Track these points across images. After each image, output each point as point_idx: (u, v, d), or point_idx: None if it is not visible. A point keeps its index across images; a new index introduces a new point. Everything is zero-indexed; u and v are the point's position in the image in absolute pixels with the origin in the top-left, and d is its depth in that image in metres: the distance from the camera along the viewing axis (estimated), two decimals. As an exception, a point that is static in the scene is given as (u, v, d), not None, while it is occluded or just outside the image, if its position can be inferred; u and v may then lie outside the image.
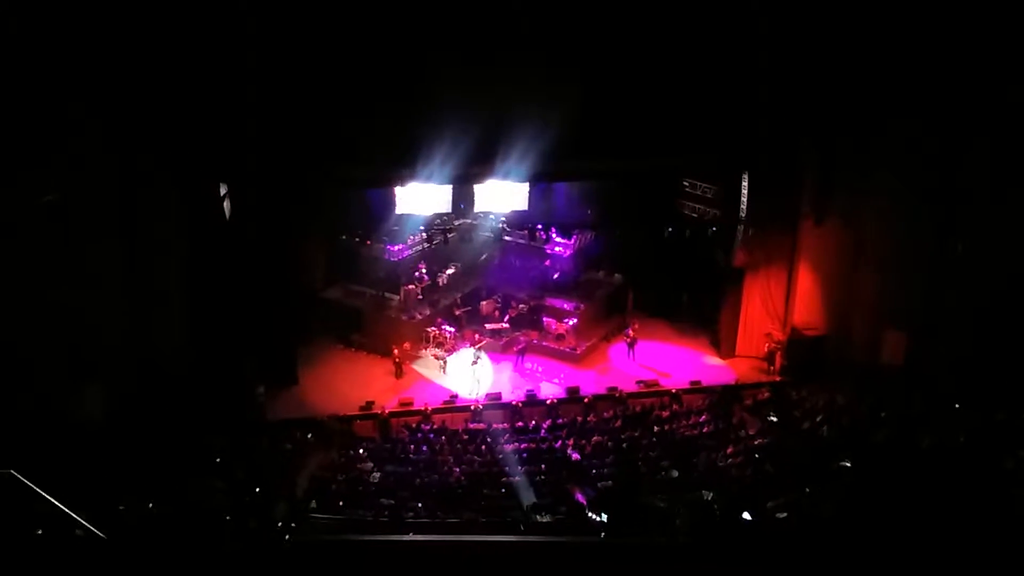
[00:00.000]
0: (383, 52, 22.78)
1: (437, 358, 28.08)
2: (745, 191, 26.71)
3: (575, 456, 22.14)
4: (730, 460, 22.03)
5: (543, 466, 22.05)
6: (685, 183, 29.16)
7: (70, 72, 20.16)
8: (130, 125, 21.55)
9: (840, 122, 24.84)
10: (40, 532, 11.24)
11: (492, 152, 24.11)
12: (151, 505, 18.08)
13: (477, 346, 27.65)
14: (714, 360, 29.02)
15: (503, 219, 31.52)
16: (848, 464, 18.93)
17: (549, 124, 22.94)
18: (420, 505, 19.89)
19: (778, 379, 27.43)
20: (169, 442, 21.23)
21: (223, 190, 23.83)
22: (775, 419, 24.39)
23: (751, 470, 21.12)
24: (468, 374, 26.89)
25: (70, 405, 21.49)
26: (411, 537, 11.91)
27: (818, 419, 23.50)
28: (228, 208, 24.01)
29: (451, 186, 28.43)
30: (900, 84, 23.70)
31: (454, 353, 28.19)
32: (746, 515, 15.04)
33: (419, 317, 29.22)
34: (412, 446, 23.54)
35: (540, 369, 28.30)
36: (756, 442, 22.99)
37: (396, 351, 27.56)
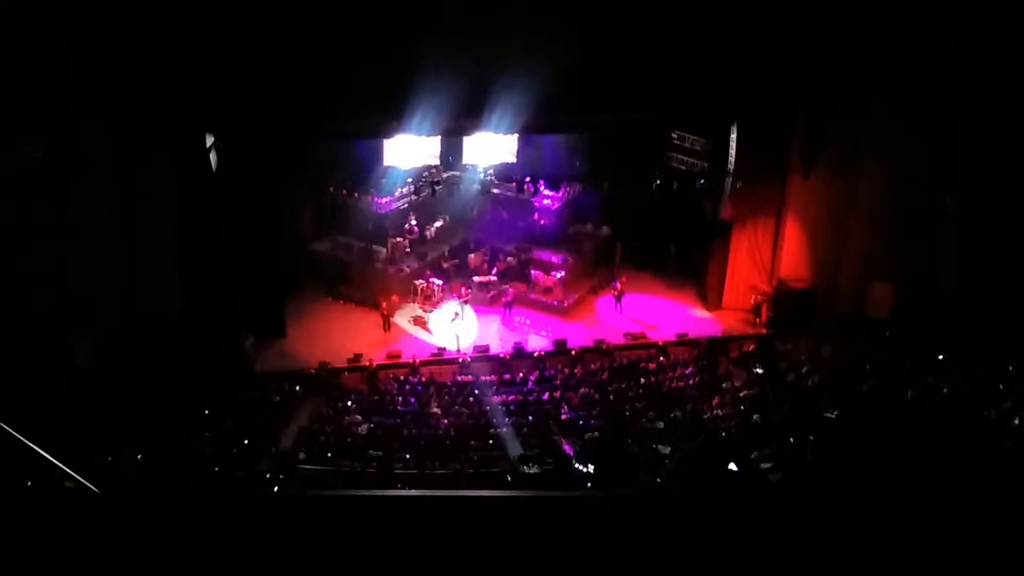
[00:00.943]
0: (371, 4, 22.56)
1: (425, 311, 28.04)
2: (734, 144, 26.58)
3: (564, 415, 22.20)
4: (716, 411, 22.15)
5: (530, 418, 22.13)
6: (674, 135, 28.99)
7: (60, 14, 19.93)
8: (118, 73, 21.33)
9: (832, 74, 24.70)
10: (29, 484, 11.25)
11: (481, 104, 23.91)
12: (139, 456, 18.14)
13: (460, 301, 27.64)
14: (701, 313, 29.07)
15: (491, 171, 31.37)
16: (833, 415, 19.06)
17: (538, 76, 22.74)
18: (408, 457, 19.96)
19: (764, 331, 27.49)
20: (159, 394, 21.24)
21: (209, 141, 23.60)
22: (761, 371, 24.50)
23: (737, 421, 21.24)
24: (449, 330, 26.84)
25: (61, 357, 21.49)
26: (400, 492, 11.96)
27: (804, 371, 23.62)
28: (215, 160, 23.81)
29: (439, 138, 28.26)
30: (893, 35, 23.57)
31: (440, 307, 28.14)
32: (732, 466, 15.16)
33: (407, 270, 29.16)
34: (400, 398, 23.59)
35: (528, 322, 28.32)
36: (742, 394, 23.10)
37: (384, 304, 27.52)
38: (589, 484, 16.77)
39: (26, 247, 20.49)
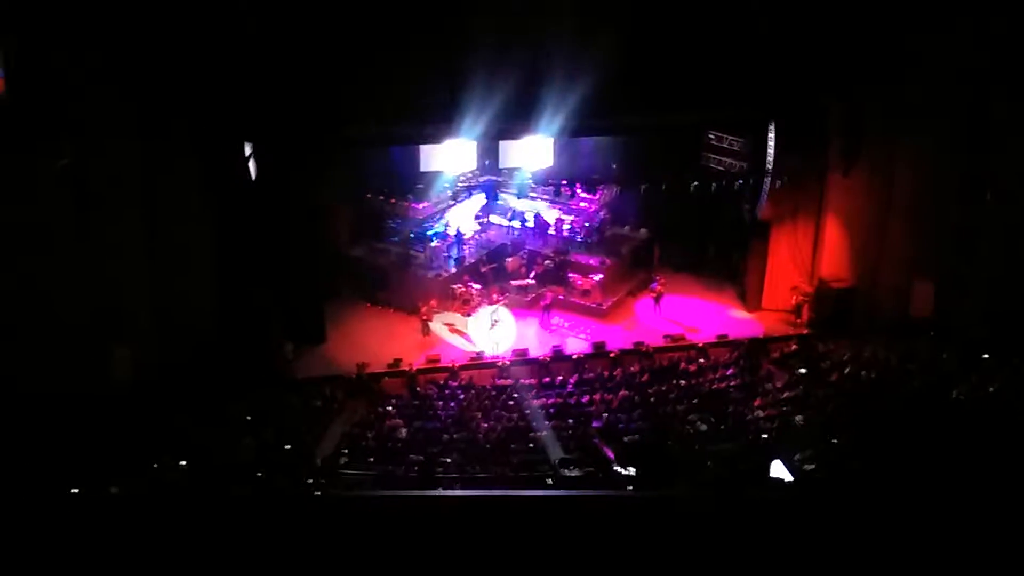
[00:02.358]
0: (414, 8, 22.67)
1: (463, 316, 28.07)
2: (772, 143, 26.42)
3: (596, 424, 22.15)
4: (758, 413, 22.00)
5: (570, 421, 22.10)
6: (711, 136, 28.87)
7: (96, 29, 20.18)
8: (153, 85, 21.55)
9: (868, 72, 24.47)
10: (76, 491, 11.40)
11: (526, 108, 23.98)
12: (183, 463, 18.30)
13: (494, 308, 27.65)
14: (741, 314, 28.90)
15: (528, 175, 31.41)
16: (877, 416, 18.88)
17: (581, 79, 22.79)
18: (449, 461, 20.00)
19: (805, 332, 27.28)
20: (200, 402, 21.43)
21: (248, 150, 23.81)
22: (803, 371, 24.31)
23: (779, 422, 21.09)
24: (488, 334, 26.85)
25: (101, 367, 21.74)
26: (440, 493, 11.97)
27: (846, 371, 23.40)
28: (254, 169, 24.01)
29: (477, 143, 28.34)
30: (929, 32, 23.34)
31: (478, 311, 28.16)
32: (775, 467, 15.04)
33: (445, 274, 29.23)
34: (440, 402, 23.64)
35: (566, 325, 28.29)
36: (784, 395, 22.94)
37: (423, 308, 27.61)
38: (629, 487, 16.70)
39: (61, 258, 20.74)
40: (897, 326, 25.69)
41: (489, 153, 30.31)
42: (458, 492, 14.07)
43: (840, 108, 25.66)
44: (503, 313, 27.91)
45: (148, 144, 21.98)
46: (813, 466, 17.27)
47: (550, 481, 18.04)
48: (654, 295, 28.74)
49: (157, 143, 22.07)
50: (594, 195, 30.91)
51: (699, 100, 25.03)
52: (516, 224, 31.22)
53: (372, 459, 20.52)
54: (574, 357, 26.12)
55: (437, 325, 27.98)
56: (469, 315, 28.05)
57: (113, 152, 21.47)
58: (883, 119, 25.18)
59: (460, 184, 30.76)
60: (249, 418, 22.06)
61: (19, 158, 19.68)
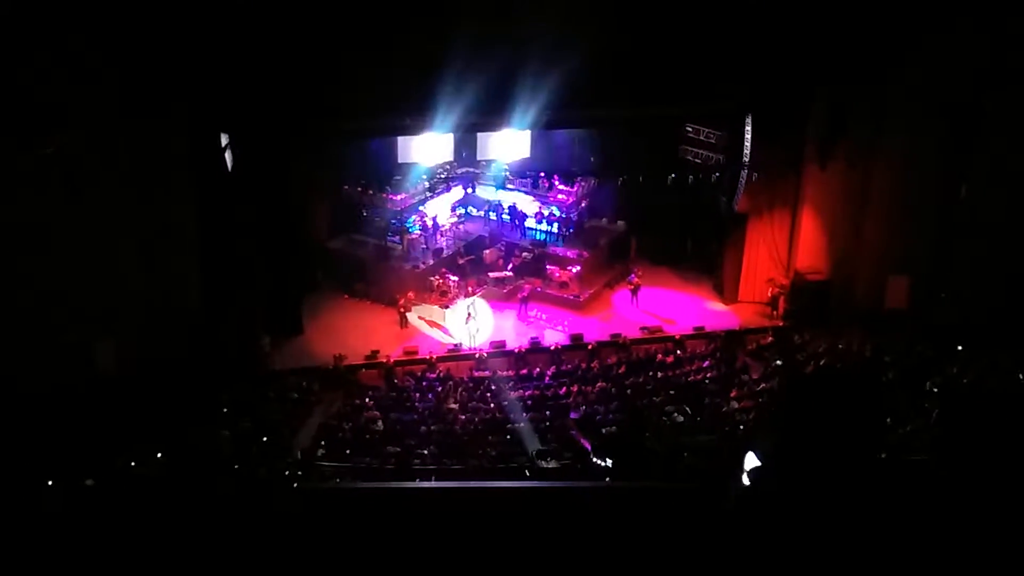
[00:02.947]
0: (392, 1, 22.60)
1: (441, 308, 28.04)
2: (749, 136, 26.49)
3: (574, 415, 22.20)
4: (734, 404, 22.11)
5: (548, 412, 22.14)
6: (688, 128, 28.91)
7: (78, 15, 20.04)
8: (135, 72, 21.38)
9: (847, 67, 24.51)
10: (50, 483, 11.33)
11: (502, 100, 23.93)
12: (160, 455, 18.23)
13: (472, 300, 27.63)
14: (717, 306, 29.00)
15: (505, 167, 31.41)
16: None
17: (558, 72, 22.77)
18: (426, 453, 20.00)
19: (781, 324, 27.41)
20: (178, 393, 21.34)
21: (224, 141, 23.66)
22: (779, 363, 24.44)
23: (755, 413, 21.20)
24: (465, 326, 26.85)
25: (81, 358, 21.63)
26: (417, 484, 11.98)
27: (822, 362, 23.53)
28: (230, 160, 23.88)
29: (454, 135, 28.29)
30: (910, 28, 23.43)
31: (456, 303, 28.13)
32: (750, 458, 15.12)
33: (422, 266, 29.20)
34: (417, 394, 23.63)
35: (544, 317, 28.31)
36: (760, 386, 23.05)
37: (400, 300, 27.55)
38: (607, 478, 16.76)
39: (43, 247, 20.61)
40: (872, 318, 25.86)
41: (466, 145, 30.26)
42: (435, 484, 14.10)
43: (819, 103, 25.72)
44: (481, 305, 27.90)
45: (132, 132, 21.81)
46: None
47: (528, 473, 18.09)
48: (631, 287, 28.81)
49: (140, 131, 21.90)
50: (572, 187, 30.92)
51: (676, 93, 25.05)
52: (493, 216, 31.23)
53: (349, 451, 20.50)
54: (551, 349, 26.15)
55: (414, 317, 27.95)
56: (447, 307, 28.03)
57: (97, 140, 21.30)
58: (864, 114, 25.24)
59: (438, 176, 30.70)
60: (226, 410, 21.97)
61: (2, 145, 19.56)
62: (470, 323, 26.73)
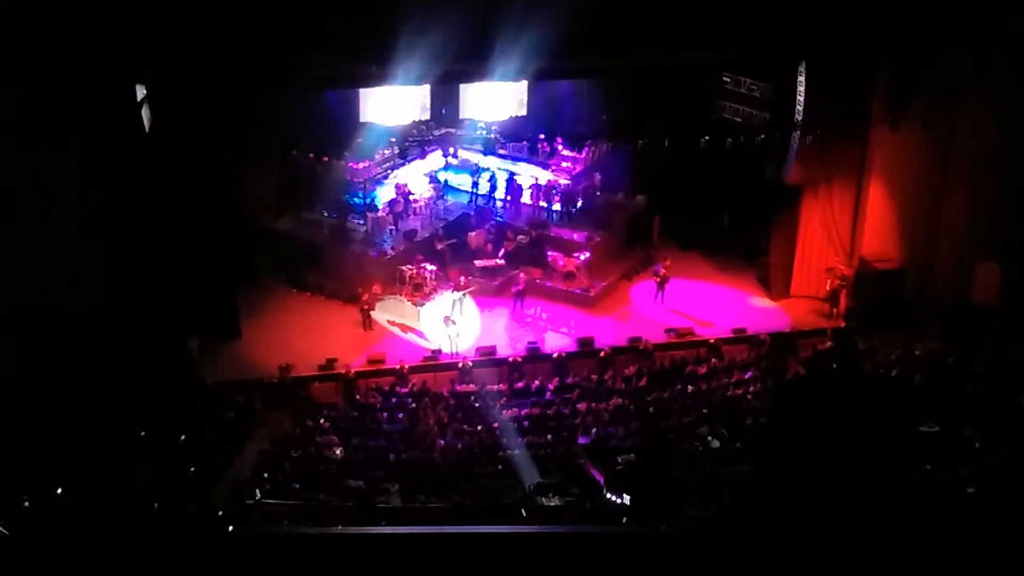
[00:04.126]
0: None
1: (415, 304, 28.03)
2: (802, 88, 26.47)
3: (582, 440, 22.22)
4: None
5: (549, 436, 22.12)
6: (726, 79, 28.89)
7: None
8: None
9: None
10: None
11: (484, 43, 23.86)
12: (61, 492, 18.17)
13: (453, 295, 27.59)
14: (763, 302, 29.04)
15: (496, 128, 31.37)
16: (934, 428, 19.00)
17: (556, 6, 22.69)
18: (396, 488, 20.00)
19: (843, 324, 27.44)
20: (87, 409, 21.30)
21: (140, 94, 23.57)
22: (840, 373, 24.44)
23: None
24: (446, 328, 26.81)
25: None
26: (384, 529, 11.95)
27: (894, 373, 23.55)
28: (147, 117, 23.79)
29: (430, 87, 28.23)
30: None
31: (433, 298, 28.11)
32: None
33: (391, 252, 29.16)
34: (385, 414, 23.60)
35: (544, 316, 28.31)
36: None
37: (364, 295, 27.53)
38: (624, 519, 16.77)
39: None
40: (957, 316, 25.89)
41: (446, 100, 30.20)
42: (406, 529, 14.05)
43: (888, 44, 25.71)
44: (465, 301, 27.88)
45: (20, 83, 21.69)
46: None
47: (524, 513, 18.09)
48: (655, 279, 28.80)
49: (33, 82, 21.77)
50: (579, 153, 30.88)
51: (705, 34, 25.01)
52: (481, 189, 31.20)
53: (298, 485, 20.49)
54: (554, 356, 26.14)
55: (381, 316, 27.93)
56: (422, 304, 28.00)
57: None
58: (944, 59, 25.21)
59: (410, 139, 30.66)
60: (144, 432, 21.94)
61: None
62: (451, 324, 26.69)
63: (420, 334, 27.56)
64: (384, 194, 30.02)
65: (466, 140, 31.57)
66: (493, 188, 31.02)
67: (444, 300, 27.72)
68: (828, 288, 28.18)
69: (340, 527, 16.25)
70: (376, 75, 25.62)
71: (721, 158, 29.32)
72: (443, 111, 30.47)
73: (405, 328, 27.82)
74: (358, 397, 24.80)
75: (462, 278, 28.20)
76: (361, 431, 22.96)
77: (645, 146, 30.12)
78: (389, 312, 28.07)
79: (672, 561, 5.04)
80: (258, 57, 23.47)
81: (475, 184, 31.26)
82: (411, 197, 30.14)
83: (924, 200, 26.71)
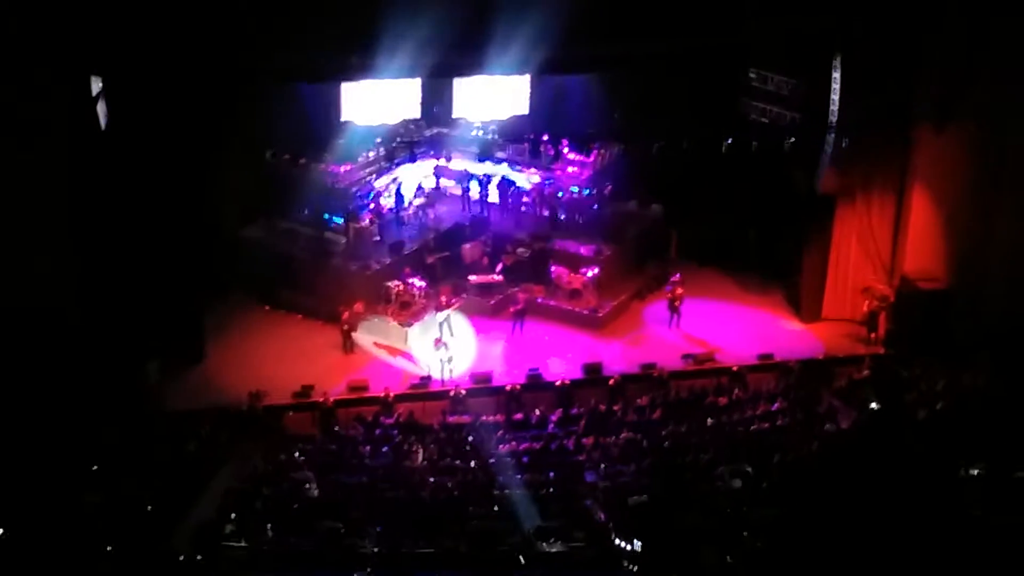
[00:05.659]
0: None
1: (401, 325, 28.04)
2: (837, 85, 26.51)
3: (589, 478, 22.23)
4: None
5: (551, 474, 22.10)
6: (751, 74, 28.94)
7: None
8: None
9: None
10: None
11: (479, 33, 23.94)
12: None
13: (444, 313, 27.58)
14: (792, 325, 29.08)
15: (494, 128, 31.42)
16: (981, 471, 18.99)
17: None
18: (378, 530, 19.96)
19: (882, 351, 27.44)
20: (29, 439, 21.29)
21: (96, 88, 23.61)
22: (877, 407, 24.43)
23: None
24: (436, 351, 26.79)
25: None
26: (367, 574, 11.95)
27: (939, 406, 23.52)
28: (104, 114, 23.82)
29: (420, 82, 28.28)
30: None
31: (422, 318, 28.12)
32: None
33: (376, 266, 29.17)
34: (368, 447, 23.57)
35: (547, 339, 28.33)
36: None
37: (344, 315, 27.52)
38: (634, 567, 16.76)
39: None
40: (1009, 343, 25.85)
41: (438, 96, 30.24)
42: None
43: (937, 35, 25.74)
44: (458, 322, 27.87)
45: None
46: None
47: (522, 559, 18.08)
48: (670, 298, 28.80)
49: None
50: (587, 156, 30.92)
51: (725, 21, 25.09)
52: (477, 196, 31.23)
53: (270, 526, 20.45)
54: (557, 385, 26.14)
55: (364, 338, 27.92)
56: (410, 324, 28.01)
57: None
58: (997, 52, 25.24)
59: (398, 140, 30.69)
60: (95, 467, 21.92)
61: None
62: (442, 348, 26.68)
63: (409, 357, 27.55)
64: (369, 202, 30.00)
65: (461, 141, 31.64)
66: (489, 195, 31.05)
67: (431, 322, 27.71)
68: (865, 310, 28.20)
69: (316, 573, 16.24)
70: (357, 66, 25.60)
71: (746, 163, 29.39)
72: (434, 109, 30.55)
73: (393, 351, 27.82)
74: (337, 429, 24.82)
75: (443, 298, 28.20)
76: (340, 466, 22.93)
77: (661, 149, 30.19)
78: (373, 333, 28.06)
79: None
80: (223, 45, 23.49)
81: (469, 190, 31.30)
82: (399, 204, 30.18)
83: (973, 211, 26.70)
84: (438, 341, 26.77)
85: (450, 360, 26.63)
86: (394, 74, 25.48)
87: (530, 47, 23.99)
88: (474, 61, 25.65)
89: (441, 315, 27.68)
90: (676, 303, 28.67)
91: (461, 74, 28.27)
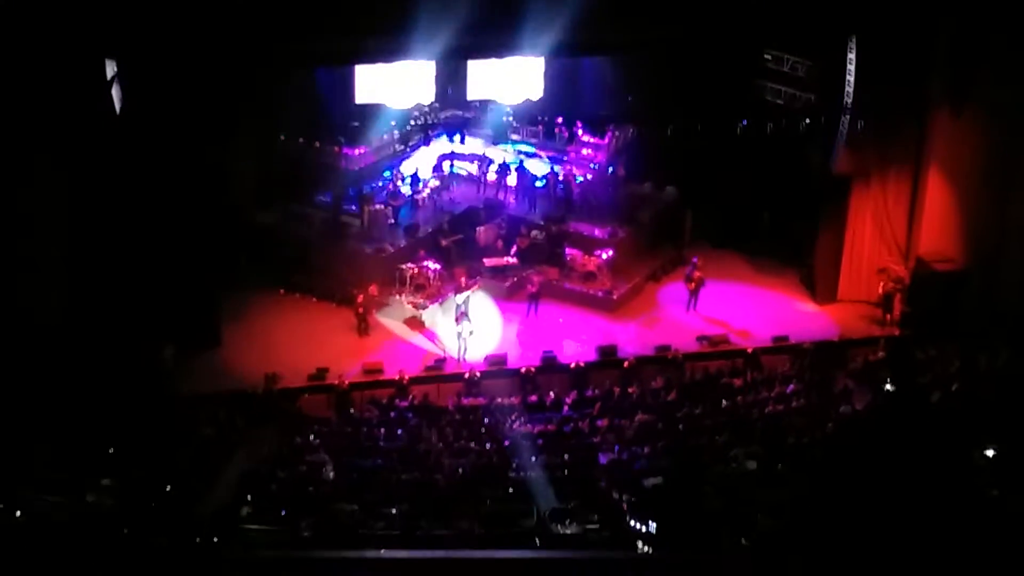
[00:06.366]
0: None
1: (416, 307, 28.10)
2: (852, 66, 26.47)
3: (603, 460, 22.27)
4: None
5: (566, 456, 22.15)
6: (767, 56, 28.89)
7: None
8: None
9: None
10: None
11: (498, 15, 23.93)
12: (18, 513, 18.26)
13: (463, 295, 27.60)
14: (807, 307, 29.09)
15: (509, 111, 31.41)
16: (996, 452, 19.00)
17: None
18: (394, 512, 20.03)
19: (897, 332, 27.44)
20: (47, 422, 21.37)
21: (111, 71, 23.64)
22: (892, 388, 24.43)
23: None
24: (452, 334, 26.85)
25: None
26: (381, 554, 12.00)
27: (954, 388, 23.53)
28: (118, 98, 23.86)
29: (435, 65, 28.27)
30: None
31: (437, 301, 28.16)
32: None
33: (390, 249, 29.22)
34: (383, 430, 23.63)
35: (561, 321, 28.38)
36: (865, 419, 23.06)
37: (359, 297, 27.57)
38: (647, 547, 16.80)
39: None
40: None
41: (453, 79, 30.25)
42: (405, 553, 14.12)
43: (954, 16, 25.68)
44: (473, 304, 27.92)
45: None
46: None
47: (537, 540, 18.13)
48: (685, 280, 28.81)
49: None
50: (602, 139, 30.91)
51: (747, 4, 25.06)
52: (492, 178, 31.24)
53: (285, 510, 20.53)
54: (572, 367, 26.21)
55: (379, 321, 27.98)
56: (424, 307, 28.07)
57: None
58: (1014, 35, 25.17)
59: (413, 123, 30.71)
60: (112, 450, 22.01)
61: None
62: (465, 321, 26.72)
63: (430, 336, 27.60)
64: (383, 184, 30.05)
65: (475, 124, 31.63)
66: (505, 177, 31.06)
67: (449, 303, 27.74)
68: (880, 292, 28.21)
69: (331, 551, 16.33)
70: (376, 50, 25.62)
71: (761, 145, 29.35)
72: (449, 92, 30.55)
73: (416, 326, 27.89)
74: (352, 411, 24.89)
75: (463, 279, 28.23)
76: (355, 450, 22.99)
77: (675, 131, 30.17)
78: (387, 316, 28.10)
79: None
80: (238, 28, 23.51)
81: (484, 173, 31.32)
82: (414, 187, 30.20)
83: (989, 193, 26.68)
84: (461, 315, 26.75)
85: (471, 334, 26.66)
86: (410, 56, 25.45)
87: (545, 29, 23.97)
88: (490, 43, 25.73)
89: (461, 296, 27.66)
90: (695, 286, 28.64)
91: (477, 56, 28.26)
